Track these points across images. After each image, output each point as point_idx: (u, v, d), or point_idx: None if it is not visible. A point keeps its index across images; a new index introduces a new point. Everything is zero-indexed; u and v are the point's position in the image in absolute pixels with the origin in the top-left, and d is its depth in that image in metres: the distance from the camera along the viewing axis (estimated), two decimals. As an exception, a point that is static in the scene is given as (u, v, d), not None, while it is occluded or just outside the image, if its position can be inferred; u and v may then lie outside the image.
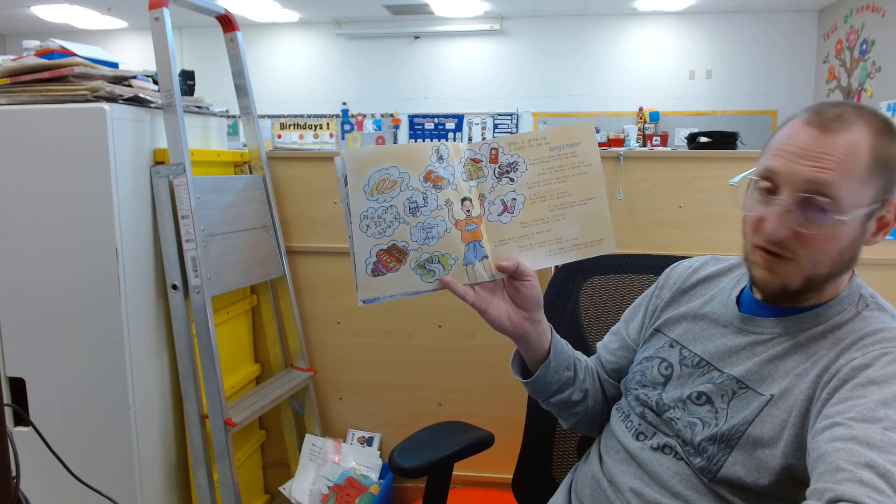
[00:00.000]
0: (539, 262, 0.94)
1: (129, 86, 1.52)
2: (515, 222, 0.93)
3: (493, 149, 0.93)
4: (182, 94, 1.60)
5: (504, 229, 0.93)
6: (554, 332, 1.00)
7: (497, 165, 0.93)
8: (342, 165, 0.87)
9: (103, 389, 1.48)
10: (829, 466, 0.66)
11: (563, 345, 1.02)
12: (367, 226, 0.87)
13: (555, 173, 0.94)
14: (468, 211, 0.91)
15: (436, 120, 7.82)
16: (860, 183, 0.77)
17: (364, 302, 0.88)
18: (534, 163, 0.94)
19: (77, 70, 1.42)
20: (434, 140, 0.91)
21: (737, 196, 0.88)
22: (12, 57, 1.55)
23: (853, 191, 0.77)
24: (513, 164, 0.93)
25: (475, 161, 0.93)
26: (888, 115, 0.82)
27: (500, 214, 0.93)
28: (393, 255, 0.88)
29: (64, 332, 1.47)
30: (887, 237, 0.84)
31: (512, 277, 0.92)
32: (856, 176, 0.76)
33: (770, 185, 0.81)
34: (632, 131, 7.13)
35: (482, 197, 0.93)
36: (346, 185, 0.87)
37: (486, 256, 0.92)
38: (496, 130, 7.69)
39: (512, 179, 0.93)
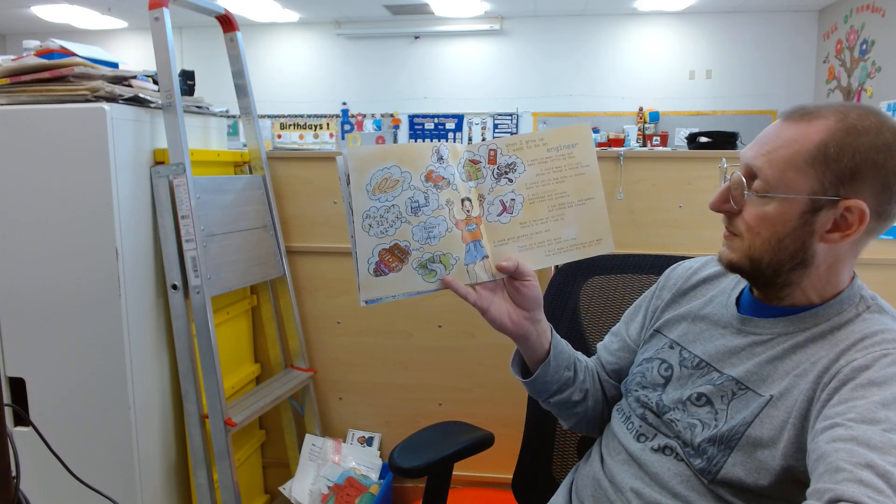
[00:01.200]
0: (538, 262, 0.94)
1: (129, 86, 1.52)
2: (515, 222, 0.94)
3: (491, 150, 0.93)
4: (182, 94, 1.60)
5: (503, 229, 0.93)
6: (554, 331, 1.00)
7: (496, 166, 0.93)
8: (344, 164, 0.87)
9: (103, 389, 1.48)
10: (829, 467, 0.66)
11: (564, 345, 1.03)
12: (370, 225, 0.87)
13: (553, 174, 0.94)
14: (468, 211, 0.91)
15: (436, 120, 7.82)
16: (793, 170, 0.78)
17: (367, 302, 0.88)
18: (532, 163, 0.94)
19: (77, 70, 1.42)
20: (434, 140, 0.91)
21: None
22: (12, 57, 1.55)
23: (782, 175, 0.79)
24: (511, 164, 0.94)
25: (474, 162, 0.93)
26: (887, 120, 0.78)
27: (499, 215, 0.93)
28: (395, 255, 0.88)
29: (64, 332, 1.47)
30: (885, 237, 0.84)
31: (512, 277, 0.93)
32: (788, 162, 0.79)
33: None
34: (632, 131, 7.13)
35: (481, 197, 0.93)
36: (348, 184, 0.86)
37: (487, 256, 0.92)
38: (496, 130, 7.69)
39: (511, 180, 0.94)
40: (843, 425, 0.69)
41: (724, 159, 0.93)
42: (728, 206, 0.85)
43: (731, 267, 0.87)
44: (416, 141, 7.30)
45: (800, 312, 0.85)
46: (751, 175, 0.82)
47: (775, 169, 0.80)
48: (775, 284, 0.85)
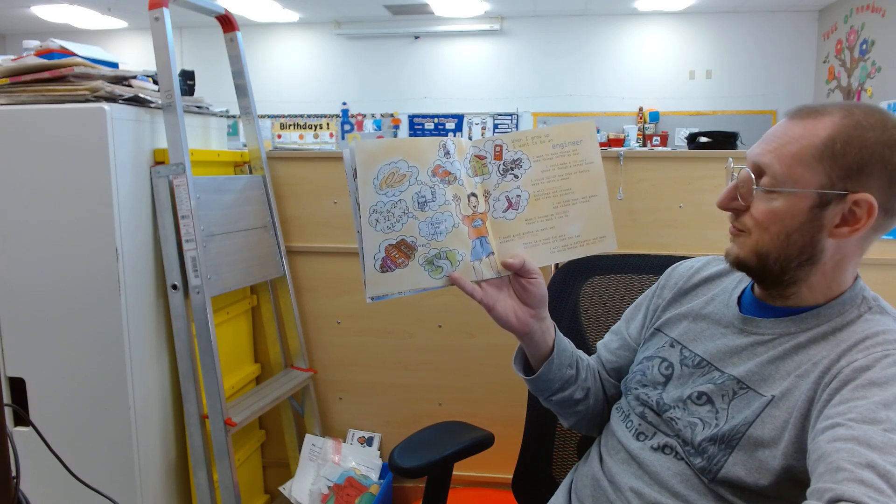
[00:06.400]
0: (543, 258, 0.94)
1: (129, 86, 1.52)
2: (520, 219, 0.93)
3: (497, 145, 0.93)
4: (182, 94, 1.60)
5: (509, 226, 0.93)
6: (557, 329, 1.00)
7: (501, 162, 0.93)
8: (351, 158, 0.86)
9: (103, 389, 1.48)
10: (830, 466, 0.66)
11: (566, 343, 1.03)
12: (376, 220, 0.86)
13: (558, 170, 0.94)
14: (474, 207, 0.91)
15: (436, 120, 7.82)
16: (801, 165, 0.79)
17: (372, 299, 0.87)
18: (537, 160, 0.94)
19: (77, 70, 1.42)
20: (440, 135, 0.91)
21: None
22: (12, 57, 1.54)
23: (790, 171, 0.80)
24: (517, 160, 0.93)
25: (479, 157, 0.93)
26: (891, 117, 0.80)
27: (504, 211, 0.93)
28: (401, 251, 0.87)
29: (64, 332, 1.47)
30: (887, 237, 0.84)
31: (518, 275, 0.92)
32: (795, 157, 0.80)
33: None
34: (632, 131, 7.13)
35: (487, 193, 0.93)
36: (354, 178, 0.86)
37: (492, 253, 0.92)
38: (496, 130, 7.69)
39: (516, 176, 0.93)
40: (844, 425, 0.69)
41: (730, 159, 0.93)
42: (736, 203, 0.86)
43: (738, 263, 0.87)
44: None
45: (802, 313, 0.85)
46: (759, 172, 0.83)
47: (783, 164, 0.80)
48: (782, 282, 0.85)
